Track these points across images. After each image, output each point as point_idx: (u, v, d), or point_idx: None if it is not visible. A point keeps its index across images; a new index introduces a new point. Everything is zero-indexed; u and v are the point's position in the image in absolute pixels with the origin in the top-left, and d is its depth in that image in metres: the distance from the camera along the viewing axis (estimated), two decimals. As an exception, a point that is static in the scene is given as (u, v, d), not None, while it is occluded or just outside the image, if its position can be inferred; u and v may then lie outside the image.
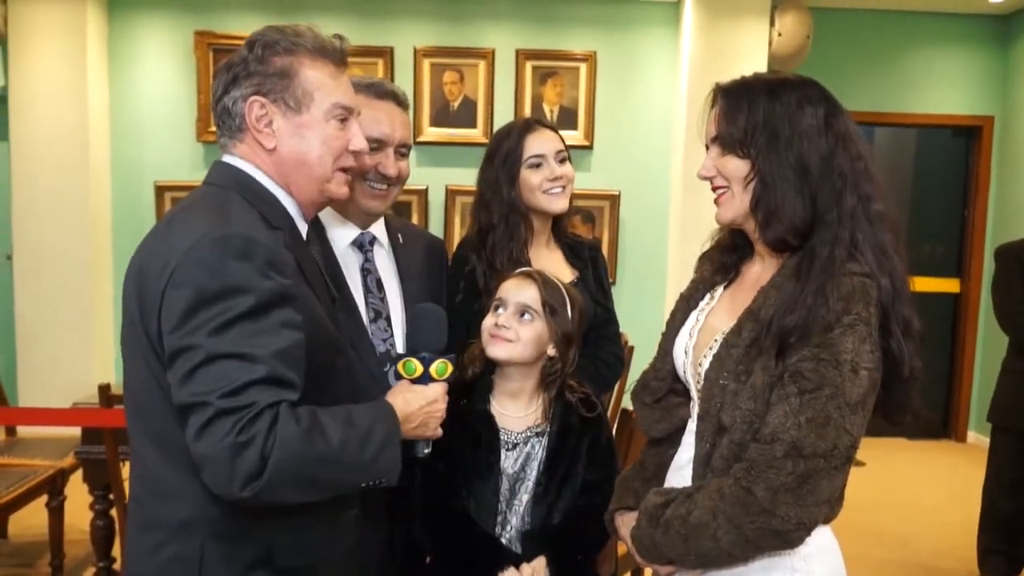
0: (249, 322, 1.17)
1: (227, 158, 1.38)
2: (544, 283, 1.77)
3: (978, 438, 5.49)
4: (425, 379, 1.46)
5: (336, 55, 1.38)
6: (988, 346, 5.48)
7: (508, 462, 1.74)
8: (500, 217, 2.03)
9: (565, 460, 1.74)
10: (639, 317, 4.94)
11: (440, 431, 1.49)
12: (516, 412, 1.78)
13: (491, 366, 1.79)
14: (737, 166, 1.35)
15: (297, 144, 1.35)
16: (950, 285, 5.78)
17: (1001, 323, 3.35)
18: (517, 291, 1.75)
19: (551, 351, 1.75)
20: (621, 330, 2.32)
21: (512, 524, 1.73)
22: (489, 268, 2.00)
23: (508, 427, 1.76)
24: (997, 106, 5.66)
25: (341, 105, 1.37)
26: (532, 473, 1.74)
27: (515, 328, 1.73)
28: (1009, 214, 5.54)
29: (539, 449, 1.75)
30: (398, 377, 1.49)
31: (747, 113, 1.33)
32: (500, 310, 1.75)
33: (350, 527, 1.45)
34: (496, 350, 1.74)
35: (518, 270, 1.83)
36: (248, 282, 1.19)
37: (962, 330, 5.74)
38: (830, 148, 1.31)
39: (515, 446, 1.75)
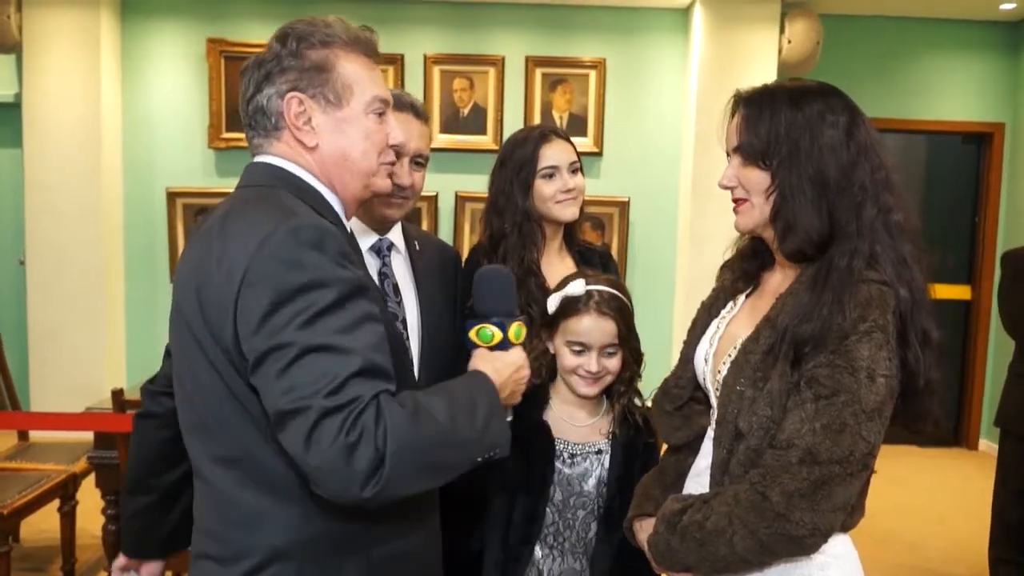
0: (335, 315, 1.10)
1: (263, 158, 1.30)
2: (619, 312, 1.73)
3: (990, 446, 5.45)
4: (505, 345, 1.38)
5: (369, 47, 1.33)
6: (1000, 353, 5.45)
7: (564, 474, 1.73)
8: (513, 225, 2.04)
9: (631, 482, 1.70)
10: (648, 323, 4.92)
11: (520, 398, 1.43)
12: (581, 421, 1.77)
13: (552, 373, 1.78)
14: (758, 178, 1.34)
15: (339, 140, 1.28)
16: (961, 292, 5.76)
17: (1008, 328, 3.33)
18: (599, 333, 1.72)
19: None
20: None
21: (566, 538, 1.72)
22: None
23: (568, 437, 1.75)
24: (1007, 113, 5.64)
25: (380, 98, 1.31)
26: (588, 489, 1.73)
27: (604, 366, 1.73)
28: (1020, 220, 5.51)
29: (596, 466, 1.73)
30: (471, 346, 1.40)
31: (769, 123, 1.32)
32: (584, 354, 1.73)
33: (437, 533, 1.41)
34: (589, 390, 1.74)
35: (580, 292, 1.74)
36: (328, 273, 1.12)
37: (973, 337, 5.72)
38: (851, 160, 1.30)
39: (572, 457, 1.74)
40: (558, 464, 1.73)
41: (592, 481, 1.72)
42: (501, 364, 1.34)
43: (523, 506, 1.70)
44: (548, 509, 1.73)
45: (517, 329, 1.40)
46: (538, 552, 1.73)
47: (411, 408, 1.11)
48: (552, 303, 1.76)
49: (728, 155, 1.41)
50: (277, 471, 1.18)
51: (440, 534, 1.43)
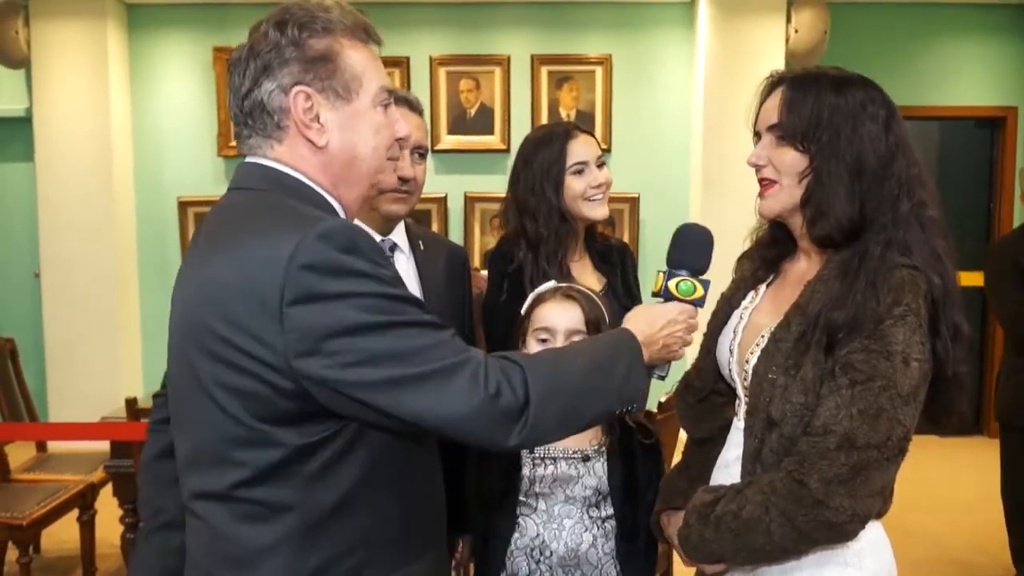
0: (400, 317, 1.07)
1: (257, 159, 1.19)
2: (584, 299, 1.69)
3: (1011, 434, 5.41)
4: (701, 302, 1.40)
5: (370, 32, 1.23)
6: (1019, 340, 5.40)
7: (544, 482, 1.68)
8: (550, 227, 1.99)
9: (635, 490, 1.68)
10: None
11: (683, 352, 1.40)
12: None
13: None
14: (794, 159, 1.34)
15: (350, 137, 1.18)
16: (977, 279, 5.68)
17: (1007, 324, 3.31)
18: (564, 316, 1.67)
19: None
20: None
21: (553, 550, 1.66)
22: (536, 270, 1.97)
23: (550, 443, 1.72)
24: (1020, 96, 5.58)
25: (386, 88, 1.22)
26: (574, 496, 1.67)
27: None
28: (1036, 205, 5.46)
29: (585, 474, 1.67)
30: (669, 296, 1.39)
31: (812, 106, 1.32)
32: (548, 341, 1.67)
33: (445, 555, 1.35)
34: None
35: (549, 288, 1.74)
36: (374, 274, 1.07)
37: (992, 324, 5.65)
38: (889, 152, 1.31)
39: (553, 460, 1.68)
40: (539, 471, 1.68)
41: (578, 489, 1.67)
42: (655, 317, 1.35)
43: (492, 512, 1.69)
44: (531, 520, 1.68)
45: (690, 285, 1.41)
46: (524, 567, 1.68)
47: (550, 355, 1.21)
48: (525, 305, 1.74)
49: (756, 134, 1.41)
50: (275, 504, 1.10)
51: (447, 556, 1.38)
